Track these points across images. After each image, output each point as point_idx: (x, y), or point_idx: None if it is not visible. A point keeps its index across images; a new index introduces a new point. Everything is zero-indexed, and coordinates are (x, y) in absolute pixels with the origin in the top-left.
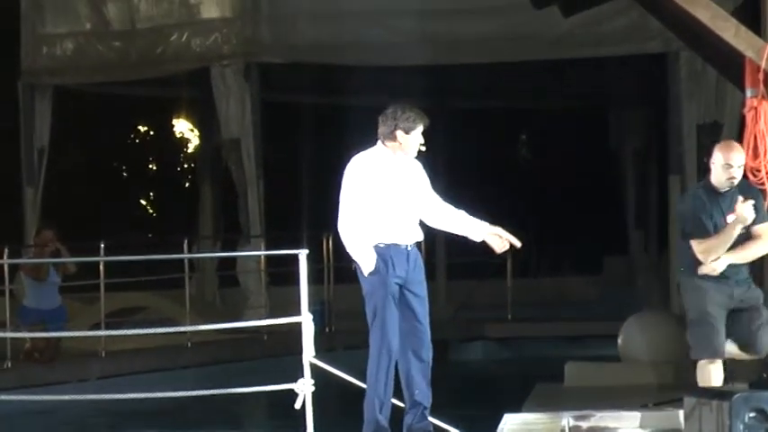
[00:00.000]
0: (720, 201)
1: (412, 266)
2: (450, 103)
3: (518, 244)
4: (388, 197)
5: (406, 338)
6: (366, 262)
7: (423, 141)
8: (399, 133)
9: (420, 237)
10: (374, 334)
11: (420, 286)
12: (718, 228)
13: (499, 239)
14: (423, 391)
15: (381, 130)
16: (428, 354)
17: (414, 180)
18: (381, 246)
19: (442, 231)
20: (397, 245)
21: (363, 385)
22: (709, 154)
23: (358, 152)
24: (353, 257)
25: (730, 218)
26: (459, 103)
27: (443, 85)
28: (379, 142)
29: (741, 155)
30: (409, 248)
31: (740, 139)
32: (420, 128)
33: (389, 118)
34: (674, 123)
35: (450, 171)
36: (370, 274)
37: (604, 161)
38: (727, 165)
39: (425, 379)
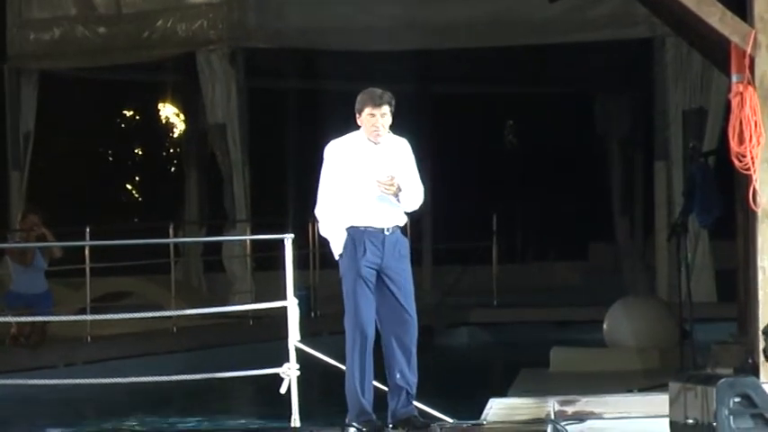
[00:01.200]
0: None
1: (390, 250)
2: (436, 89)
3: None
4: (360, 180)
5: (387, 323)
6: (334, 244)
7: (380, 128)
8: (357, 115)
9: (401, 221)
10: (347, 317)
11: (398, 270)
12: None
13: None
14: (405, 376)
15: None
16: (412, 339)
17: (390, 163)
18: (354, 229)
19: (427, 215)
20: (372, 228)
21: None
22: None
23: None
24: (326, 239)
25: None
26: (445, 88)
27: (429, 71)
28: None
29: None
30: (386, 232)
31: (726, 125)
32: (368, 109)
33: (363, 96)
34: (660, 109)
35: (436, 156)
36: (340, 256)
37: (590, 147)
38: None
39: (409, 364)
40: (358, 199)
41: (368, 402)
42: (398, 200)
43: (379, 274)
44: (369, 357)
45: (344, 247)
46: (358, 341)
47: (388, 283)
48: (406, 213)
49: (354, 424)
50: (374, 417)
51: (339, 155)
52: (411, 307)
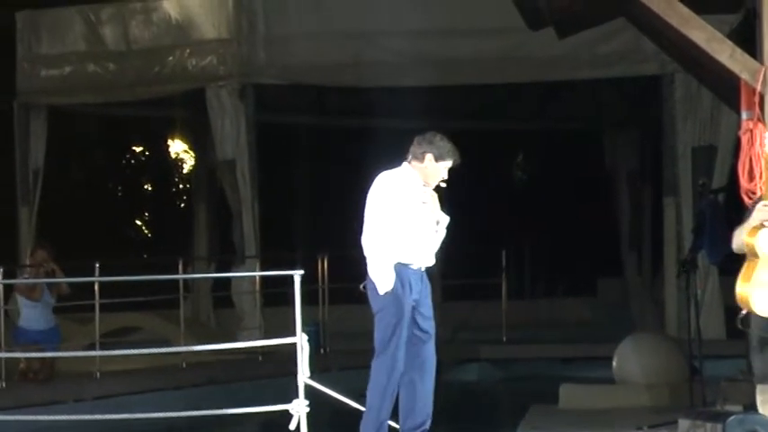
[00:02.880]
0: None
1: (424, 288)
2: (445, 125)
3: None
4: (413, 218)
5: (412, 360)
6: (385, 280)
7: (446, 177)
8: (429, 157)
9: (432, 262)
10: (384, 356)
11: (428, 306)
12: None
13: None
14: (424, 412)
15: (413, 149)
16: (432, 376)
17: (435, 207)
18: (400, 265)
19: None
20: (412, 266)
21: (358, 406)
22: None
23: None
24: (372, 274)
25: None
26: (454, 124)
27: (439, 106)
28: (405, 163)
29: None
30: (422, 270)
31: (735, 162)
32: (449, 162)
33: (425, 140)
34: (669, 145)
35: (445, 192)
36: (386, 293)
37: (599, 183)
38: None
39: (429, 400)
40: (407, 236)
41: None
42: (437, 232)
43: (413, 311)
44: (394, 397)
45: (398, 283)
46: (393, 383)
47: (420, 320)
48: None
49: None
50: None
51: (395, 188)
52: (433, 343)
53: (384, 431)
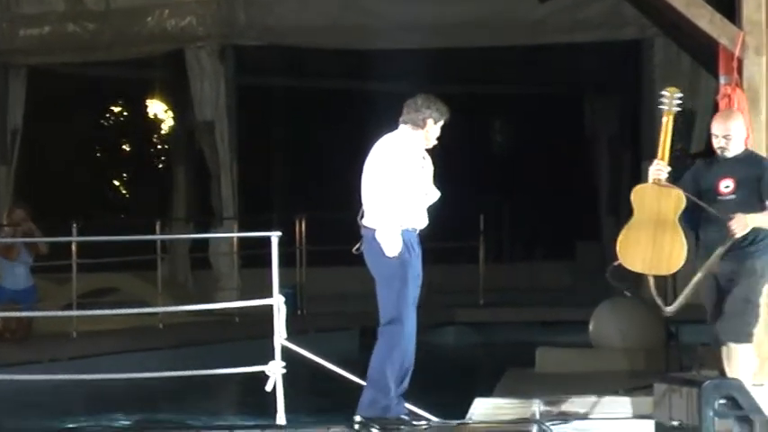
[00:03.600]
0: (717, 167)
1: (420, 251)
2: (426, 88)
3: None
4: (417, 183)
5: None
6: (395, 245)
7: (439, 135)
8: (430, 122)
9: (426, 223)
10: (396, 324)
11: (420, 273)
12: (702, 193)
13: None
14: (407, 380)
15: (410, 116)
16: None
17: (430, 170)
18: (408, 230)
19: None
20: (414, 230)
21: (334, 368)
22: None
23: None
24: (382, 238)
25: (724, 184)
26: (434, 87)
27: (418, 70)
28: (403, 127)
29: (723, 124)
30: (417, 233)
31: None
32: (443, 121)
33: (424, 106)
34: (648, 110)
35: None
36: (393, 258)
37: (579, 147)
38: (713, 134)
39: (411, 368)
40: (412, 200)
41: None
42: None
43: None
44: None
45: (404, 246)
46: (407, 347)
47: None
48: None
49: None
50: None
51: (406, 155)
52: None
53: (389, 408)
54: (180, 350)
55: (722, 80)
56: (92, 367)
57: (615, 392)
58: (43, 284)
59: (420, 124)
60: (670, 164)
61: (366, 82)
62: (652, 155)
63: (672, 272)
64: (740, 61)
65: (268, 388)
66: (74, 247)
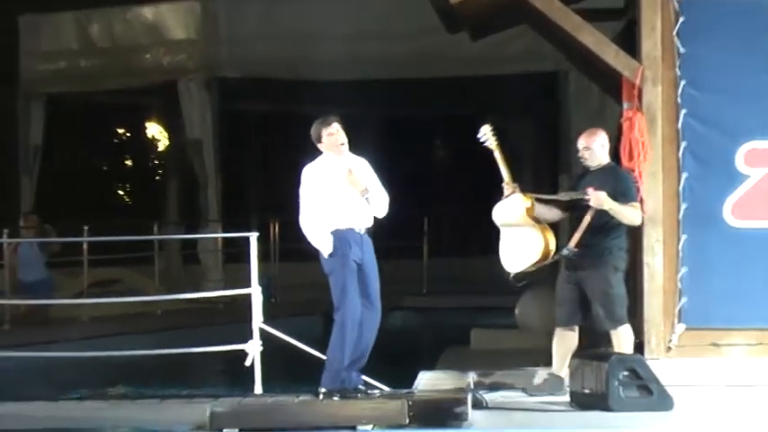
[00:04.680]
0: (587, 177)
1: (366, 249)
2: (376, 112)
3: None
4: (338, 190)
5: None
6: (325, 246)
7: (342, 140)
8: (326, 133)
9: (370, 223)
10: (342, 304)
11: (372, 267)
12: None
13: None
14: (365, 358)
15: (313, 138)
16: (376, 326)
17: (363, 173)
18: (338, 231)
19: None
20: (351, 229)
21: (302, 346)
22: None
23: (305, 158)
24: (314, 244)
25: (589, 189)
26: (384, 111)
27: (370, 98)
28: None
29: (584, 140)
30: (362, 233)
31: (618, 144)
32: (324, 131)
33: (312, 128)
34: (564, 130)
35: (377, 170)
36: (330, 255)
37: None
38: (577, 148)
39: (368, 349)
40: (338, 206)
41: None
42: (368, 201)
43: (359, 269)
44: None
45: (333, 247)
46: (351, 325)
47: (364, 278)
48: (376, 218)
49: (333, 390)
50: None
51: (316, 174)
52: (378, 299)
53: (347, 380)
54: (173, 332)
55: (625, 106)
56: (100, 346)
57: (537, 366)
58: (57, 277)
59: (320, 140)
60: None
61: (323, 107)
62: (567, 170)
63: (544, 254)
64: (640, 90)
65: (247, 363)
66: (85, 246)
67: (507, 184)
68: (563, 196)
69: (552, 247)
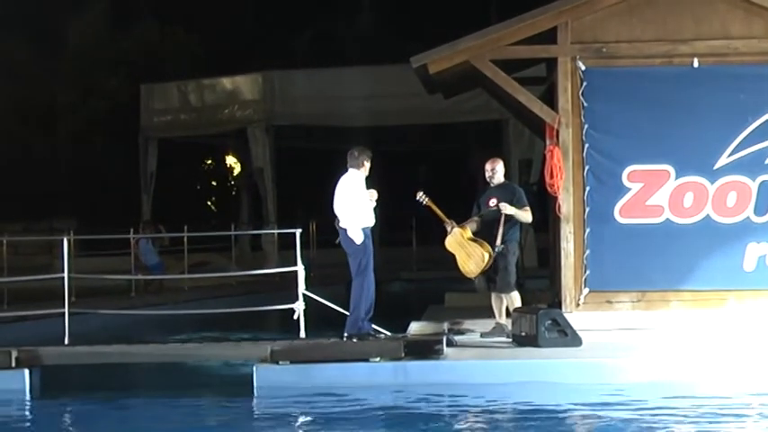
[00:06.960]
0: (490, 190)
1: (371, 237)
2: (382, 148)
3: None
4: (367, 200)
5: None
6: (358, 236)
7: (370, 167)
8: (366, 162)
9: (374, 222)
10: (360, 277)
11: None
12: (481, 208)
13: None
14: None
15: (353, 162)
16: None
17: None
18: (366, 227)
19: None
20: (367, 227)
21: (336, 307)
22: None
23: (336, 174)
24: (351, 233)
25: (492, 201)
26: (384, 147)
27: (378, 137)
28: (351, 170)
29: (489, 165)
30: (370, 228)
31: (542, 168)
32: (367, 159)
33: (360, 154)
34: (506, 159)
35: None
36: (362, 243)
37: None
38: (485, 169)
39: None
40: (367, 210)
41: (367, 325)
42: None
43: None
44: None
45: (363, 238)
46: (367, 291)
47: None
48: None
49: (353, 334)
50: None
51: (357, 183)
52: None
53: (363, 328)
54: (245, 297)
55: (548, 142)
56: (197, 306)
57: (491, 317)
58: (168, 261)
59: (361, 164)
60: (449, 217)
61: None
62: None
63: (489, 257)
64: (557, 132)
65: (295, 317)
66: (185, 239)
67: (446, 223)
68: (486, 213)
69: (490, 250)
